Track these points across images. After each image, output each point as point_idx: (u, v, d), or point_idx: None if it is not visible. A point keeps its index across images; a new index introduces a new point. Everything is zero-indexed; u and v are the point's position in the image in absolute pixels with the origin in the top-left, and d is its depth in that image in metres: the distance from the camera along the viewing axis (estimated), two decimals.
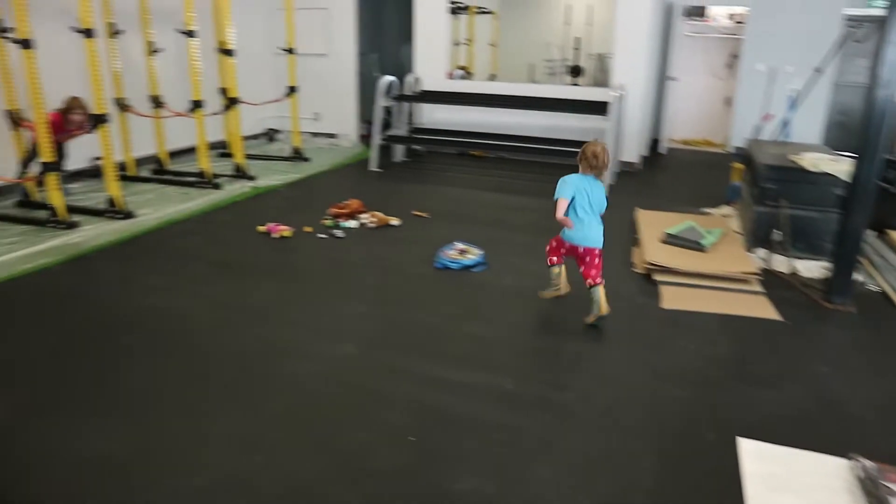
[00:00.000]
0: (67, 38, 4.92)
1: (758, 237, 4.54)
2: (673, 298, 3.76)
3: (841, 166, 4.32)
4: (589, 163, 3.33)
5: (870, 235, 4.54)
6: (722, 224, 5.04)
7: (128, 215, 5.11)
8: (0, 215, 5.09)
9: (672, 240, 4.45)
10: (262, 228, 4.82)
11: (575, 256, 3.45)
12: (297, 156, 7.39)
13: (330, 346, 3.15)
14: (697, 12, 9.17)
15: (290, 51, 7.14)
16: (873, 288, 4.07)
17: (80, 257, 4.31)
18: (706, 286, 3.92)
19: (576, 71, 9.13)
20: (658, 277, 4.02)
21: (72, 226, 4.82)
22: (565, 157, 7.06)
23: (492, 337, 3.30)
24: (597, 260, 3.38)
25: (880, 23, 3.56)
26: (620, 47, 7.25)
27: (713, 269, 4.02)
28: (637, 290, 3.94)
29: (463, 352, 3.13)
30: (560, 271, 3.62)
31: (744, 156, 5.70)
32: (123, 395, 2.71)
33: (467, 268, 4.17)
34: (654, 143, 8.84)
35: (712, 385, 2.89)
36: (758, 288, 3.93)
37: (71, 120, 5.11)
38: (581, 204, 3.34)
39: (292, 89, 7.26)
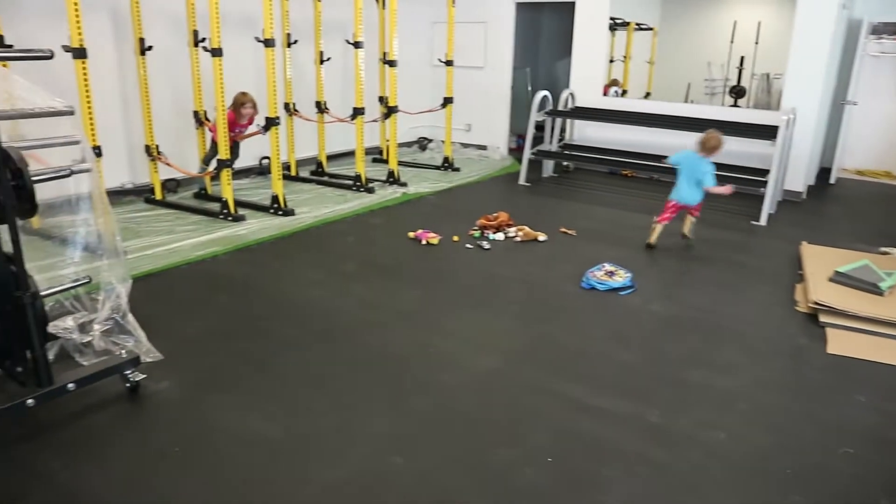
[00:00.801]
0: (249, 47, 5.34)
1: None
2: (842, 344, 3.44)
3: None
4: (701, 146, 4.88)
5: None
6: None
7: (288, 212, 5.45)
8: (180, 205, 5.61)
9: (843, 279, 4.07)
10: (411, 234, 4.97)
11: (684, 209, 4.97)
12: (448, 165, 7.56)
13: (476, 358, 3.17)
14: (889, 30, 8.37)
15: (448, 63, 7.32)
16: None
17: (245, 248, 4.66)
18: (883, 334, 3.55)
19: (738, 91, 8.67)
20: (825, 319, 3.70)
21: (239, 219, 5.21)
22: (722, 181, 6.70)
23: (638, 364, 3.18)
24: (695, 211, 5.07)
25: None
26: (794, 67, 6.78)
27: (894, 316, 3.64)
28: (799, 330, 3.65)
29: (608, 376, 3.04)
30: (661, 230, 4.97)
31: None
32: (281, 381, 2.90)
33: (615, 290, 4.06)
34: (824, 171, 8.17)
35: (889, 446, 2.61)
36: None
37: (242, 114, 5.53)
38: (685, 173, 4.95)
39: (448, 100, 7.43)
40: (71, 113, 2.84)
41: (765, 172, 6.06)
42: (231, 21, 5.82)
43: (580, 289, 4.10)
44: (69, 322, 3.02)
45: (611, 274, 4.18)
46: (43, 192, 2.42)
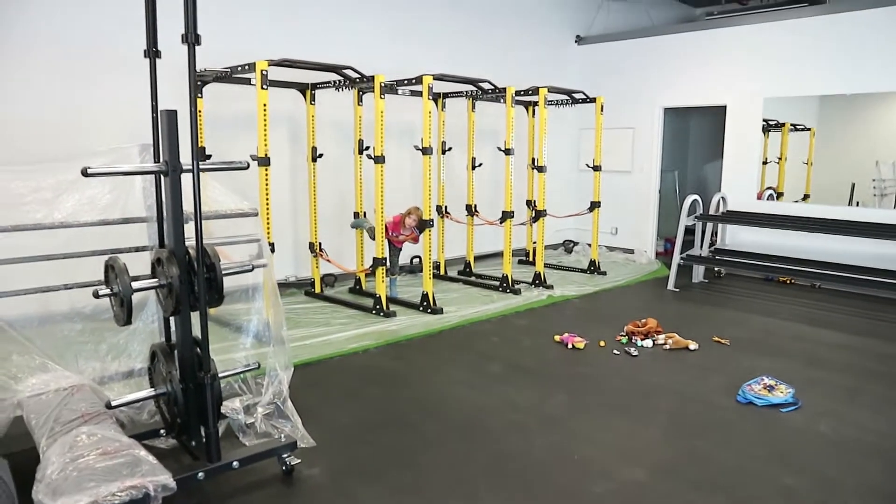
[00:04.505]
0: (408, 154, 5.76)
1: None
2: None
3: None
4: None
5: None
6: None
7: (437, 311, 5.63)
8: (337, 299, 5.98)
9: None
10: (557, 338, 4.95)
11: None
12: (594, 268, 7.52)
13: (621, 468, 3.05)
14: None
15: (596, 168, 7.43)
16: None
17: (395, 343, 4.85)
18: None
19: None
20: None
21: (390, 315, 5.45)
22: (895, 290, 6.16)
23: (804, 491, 2.90)
24: None
25: None
26: None
27: None
28: None
29: (764, 500, 2.80)
30: None
31: None
32: (425, 478, 2.93)
33: (775, 406, 3.77)
34: None
35: None
36: None
37: (406, 224, 5.89)
38: None
39: (595, 204, 7.49)
40: (256, 214, 3.21)
41: None
42: (393, 131, 6.32)
43: (735, 402, 3.85)
44: (237, 403, 3.27)
45: (770, 388, 3.90)
46: (223, 282, 2.71)
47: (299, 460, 2.96)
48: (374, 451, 3.17)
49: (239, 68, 4.91)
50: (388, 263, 5.70)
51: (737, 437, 3.42)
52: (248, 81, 5.24)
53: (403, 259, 6.83)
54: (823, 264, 6.62)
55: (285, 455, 2.90)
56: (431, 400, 3.83)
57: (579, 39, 9.05)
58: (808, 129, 8.74)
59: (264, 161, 4.89)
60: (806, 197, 8.51)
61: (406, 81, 5.81)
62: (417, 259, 6.88)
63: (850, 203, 8.10)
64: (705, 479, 2.97)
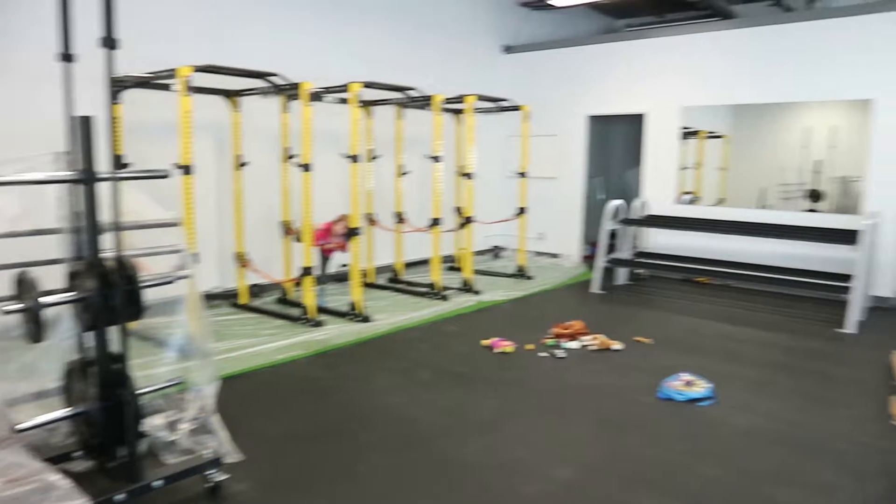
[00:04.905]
0: (335, 161, 5.72)
1: None
2: None
3: None
4: None
5: None
6: None
7: (365, 319, 5.61)
8: (264, 309, 5.87)
9: None
10: (485, 342, 5.01)
11: None
12: (521, 273, 7.65)
13: (552, 468, 3.12)
14: None
15: (522, 175, 7.57)
16: None
17: (324, 353, 4.80)
18: None
19: (815, 196, 8.53)
20: None
21: (319, 324, 5.39)
22: (802, 287, 6.53)
23: (721, 480, 3.04)
24: None
25: None
26: (873, 171, 6.69)
27: None
28: None
29: (689, 492, 2.92)
30: None
31: None
32: (358, 488, 2.92)
33: (694, 401, 3.94)
34: None
35: None
36: None
37: (335, 232, 5.84)
38: None
39: (522, 210, 7.63)
40: (178, 224, 3.12)
41: (847, 278, 5.86)
42: (320, 138, 6.27)
43: (657, 399, 4.00)
44: (159, 420, 3.16)
45: (689, 384, 4.08)
46: (144, 295, 2.63)
47: (227, 476, 2.89)
48: (306, 463, 3.13)
49: (161, 74, 4.77)
50: (317, 272, 5.64)
51: (660, 433, 3.56)
52: (171, 88, 5.09)
53: (332, 268, 6.76)
54: (737, 264, 6.96)
55: (210, 471, 2.83)
56: (363, 408, 3.81)
57: (507, 49, 9.22)
58: (723, 137, 9.17)
59: (188, 169, 4.76)
60: (722, 201, 8.92)
61: (333, 89, 5.78)
62: (345, 267, 6.83)
63: (760, 206, 8.54)
64: (632, 474, 3.07)
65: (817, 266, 6.53)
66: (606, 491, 2.92)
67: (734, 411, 3.83)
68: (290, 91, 5.39)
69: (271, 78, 5.30)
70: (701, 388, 4.04)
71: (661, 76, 8.01)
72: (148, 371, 3.29)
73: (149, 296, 2.63)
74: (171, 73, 4.68)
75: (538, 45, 9.08)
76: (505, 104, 7.37)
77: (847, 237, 6.09)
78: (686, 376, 4.18)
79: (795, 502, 2.86)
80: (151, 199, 3.08)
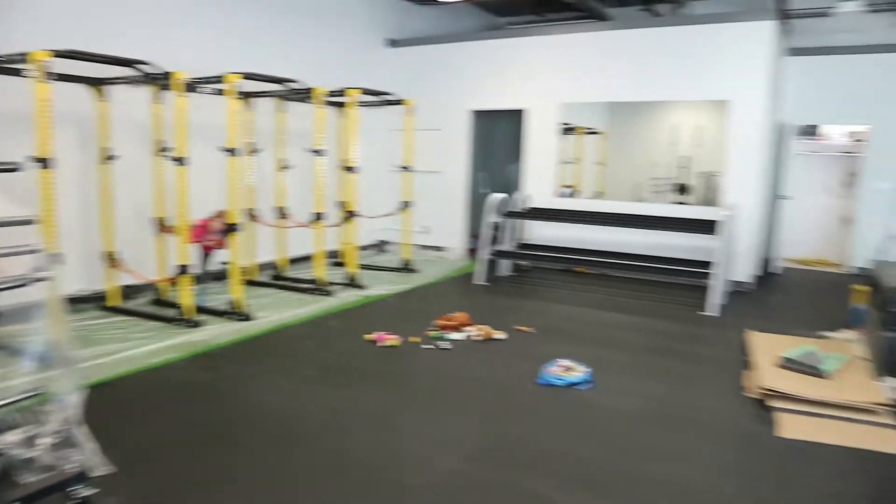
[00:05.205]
0: (213, 155, 5.49)
1: (887, 364, 4.23)
2: (793, 427, 3.53)
3: None
4: None
5: None
6: (844, 349, 4.74)
7: (247, 317, 5.44)
8: (136, 311, 5.56)
9: (790, 364, 4.23)
10: (369, 337, 4.99)
11: None
12: (407, 267, 7.68)
13: (439, 458, 3.15)
14: (811, 131, 9.06)
15: (405, 168, 7.59)
16: None
17: (203, 354, 4.61)
18: (829, 416, 3.66)
19: (682, 189, 9.11)
20: (773, 404, 3.80)
21: (196, 324, 5.17)
22: (671, 275, 6.99)
23: (599, 458, 3.20)
24: None
25: None
26: (731, 167, 7.24)
27: (838, 398, 3.76)
28: (749, 416, 3.74)
29: (570, 472, 3.05)
30: None
31: (869, 278, 5.42)
32: (243, 492, 2.83)
33: (573, 385, 4.11)
34: (768, 262, 8.55)
35: None
36: (890, 420, 3.63)
37: (213, 228, 5.61)
38: None
39: (406, 204, 7.65)
40: (33, 222, 2.89)
41: (711, 265, 6.31)
42: (197, 131, 5.99)
43: (538, 385, 4.14)
44: (14, 436, 2.92)
45: (568, 369, 4.25)
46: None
47: (95, 490, 2.71)
48: (184, 471, 3.00)
49: (13, 57, 4.38)
50: (196, 271, 5.40)
51: (541, 417, 3.69)
52: (25, 73, 4.69)
53: (212, 266, 6.50)
54: (613, 254, 7.33)
55: (75, 487, 2.64)
56: (245, 410, 3.69)
57: (392, 42, 9.18)
58: (601, 133, 9.60)
59: (46, 163, 4.42)
60: (601, 194, 9.34)
61: (209, 79, 5.54)
62: (225, 264, 6.58)
63: (635, 199, 9.01)
64: (515, 459, 3.17)
65: (685, 255, 6.98)
66: (490, 476, 2.99)
67: (610, 393, 4.04)
68: (161, 81, 5.12)
69: (141, 66, 5.01)
70: (579, 372, 4.22)
71: (541, 73, 8.26)
72: (1, 384, 3.05)
73: (2, 300, 2.42)
74: (23, 58, 4.32)
75: (423, 40, 9.13)
76: (389, 98, 7.35)
77: (710, 227, 6.55)
78: (565, 362, 4.35)
79: (668, 473, 3.05)
80: (2, 195, 2.84)
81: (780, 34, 7.52)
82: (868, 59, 8.24)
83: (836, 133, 9.22)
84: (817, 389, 3.87)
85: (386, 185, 8.76)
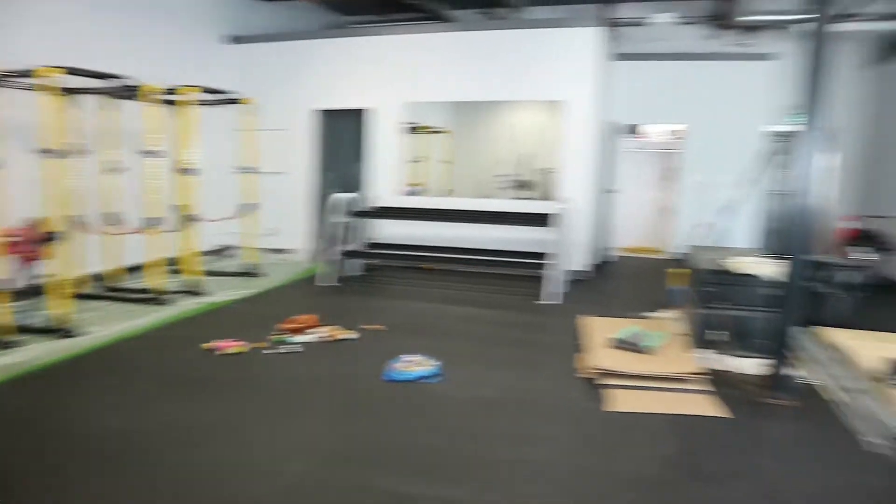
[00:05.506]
0: (35, 158, 5.03)
1: (699, 338, 4.70)
2: (620, 401, 3.83)
3: (769, 269, 4.59)
4: None
5: (803, 332, 4.74)
6: (666, 327, 5.20)
7: (74, 333, 5.02)
8: None
9: (617, 344, 4.58)
10: (207, 346, 4.78)
11: None
12: (253, 271, 7.44)
13: (285, 465, 3.09)
14: (635, 130, 9.86)
15: (250, 170, 7.36)
16: (808, 382, 4.22)
17: (23, 377, 4.19)
18: (653, 388, 4.01)
19: (523, 185, 9.55)
20: (604, 381, 4.10)
21: (13, 345, 4.70)
22: (516, 267, 7.31)
23: (448, 448, 3.28)
24: None
25: (798, 137, 3.91)
26: (566, 163, 7.68)
27: (658, 371, 4.13)
28: (582, 395, 4.00)
29: (421, 464, 3.10)
30: None
31: (685, 262, 5.97)
32: None
33: (422, 379, 4.18)
34: (603, 252, 9.17)
35: (663, 485, 2.93)
36: (703, 387, 4.04)
37: (30, 237, 5.13)
38: None
39: (250, 206, 7.41)
40: None
41: (550, 256, 6.68)
42: (9, 130, 5.47)
43: (387, 382, 4.17)
44: None
45: (416, 364, 4.32)
46: None
47: None
48: None
49: None
50: (14, 285, 4.92)
51: (391, 414, 3.72)
52: None
53: (32, 279, 5.95)
54: (461, 249, 7.54)
55: None
56: (74, 434, 3.38)
57: (235, 39, 8.84)
58: (447, 132, 9.82)
59: None
60: (449, 191, 9.55)
61: (20, 73, 5.04)
62: (49, 277, 6.05)
63: (480, 196, 9.30)
64: (364, 458, 3.17)
65: (528, 247, 7.33)
66: (339, 477, 2.97)
67: (459, 385, 4.15)
68: None
69: None
70: (428, 366, 4.30)
71: (385, 73, 8.32)
72: None
73: None
74: None
75: (266, 37, 8.87)
76: (228, 97, 7.08)
77: (546, 221, 6.91)
78: (413, 357, 4.42)
79: (515, 455, 3.20)
80: None
81: (608, 40, 8.10)
82: (685, 65, 9.12)
83: (658, 132, 10.09)
84: (642, 365, 4.22)
85: (229, 188, 8.42)
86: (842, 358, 4.65)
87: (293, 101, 8.68)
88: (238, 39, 8.87)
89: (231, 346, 4.73)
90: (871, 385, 4.11)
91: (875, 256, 7.55)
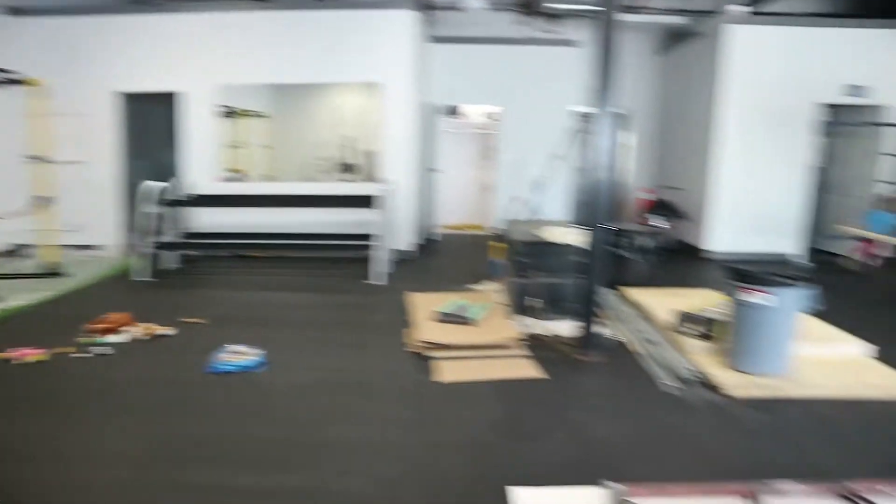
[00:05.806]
0: None
1: (518, 306, 4.99)
2: (448, 372, 3.96)
3: (577, 237, 4.96)
4: None
5: (609, 293, 5.20)
6: (488, 298, 5.46)
7: None
8: None
9: (443, 317, 4.73)
10: (3, 355, 4.28)
11: None
12: (54, 271, 6.75)
13: (97, 474, 2.86)
14: (453, 111, 10.17)
15: (39, 159, 6.63)
16: (616, 338, 4.64)
17: None
18: (477, 356, 4.20)
19: (347, 168, 9.52)
20: (432, 354, 4.22)
21: None
22: (343, 250, 7.28)
23: (277, 436, 3.22)
24: None
25: (597, 117, 4.23)
26: (387, 145, 7.74)
27: (481, 340, 4.33)
28: (412, 369, 4.10)
29: (249, 456, 3.02)
30: None
31: (503, 234, 6.29)
32: None
33: (245, 369, 4.05)
34: (428, 230, 9.40)
35: (489, 446, 3.09)
36: (523, 351, 4.29)
37: None
38: None
39: (44, 199, 6.70)
40: None
41: (374, 237, 6.73)
42: None
43: (209, 375, 4.00)
44: None
45: (239, 354, 4.17)
46: None
47: None
48: None
49: None
50: None
51: (214, 407, 3.58)
52: None
53: None
54: (285, 235, 7.36)
55: None
56: None
57: (14, 11, 7.80)
58: (266, 116, 9.50)
59: None
60: (272, 177, 9.27)
61: None
62: None
63: (303, 180, 9.15)
64: (187, 455, 3.03)
65: (354, 230, 7.30)
66: (156, 478, 2.82)
67: (286, 371, 4.07)
68: None
69: None
70: (251, 356, 4.17)
71: (198, 54, 7.84)
72: None
73: None
74: None
75: (54, 10, 7.91)
76: (9, 76, 6.31)
77: (369, 202, 6.93)
78: (236, 348, 4.26)
79: (346, 436, 3.21)
80: None
81: (423, 23, 8.22)
82: (500, 49, 9.52)
83: (476, 112, 10.47)
84: (466, 335, 4.40)
85: (17, 179, 7.55)
86: (642, 314, 5.15)
87: (91, 83, 7.90)
88: (17, 11, 7.88)
89: (29, 353, 4.27)
90: (666, 335, 4.60)
91: (668, 223, 8.41)
